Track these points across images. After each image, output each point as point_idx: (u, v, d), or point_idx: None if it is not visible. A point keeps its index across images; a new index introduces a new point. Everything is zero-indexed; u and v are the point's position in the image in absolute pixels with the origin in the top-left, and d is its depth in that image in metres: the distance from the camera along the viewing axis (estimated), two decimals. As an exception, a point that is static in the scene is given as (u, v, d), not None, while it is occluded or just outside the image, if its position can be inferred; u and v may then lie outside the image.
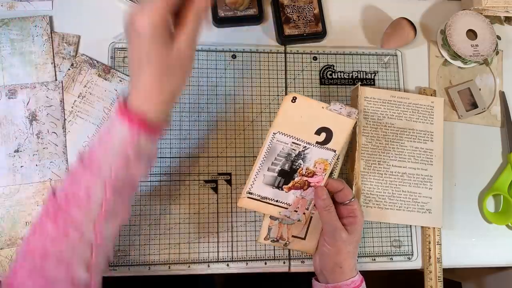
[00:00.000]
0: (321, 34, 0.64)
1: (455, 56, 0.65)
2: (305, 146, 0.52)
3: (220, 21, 0.63)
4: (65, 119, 0.57)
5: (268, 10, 0.66)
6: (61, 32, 0.60)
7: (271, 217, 0.54)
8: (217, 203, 0.58)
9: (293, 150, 0.52)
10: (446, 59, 0.66)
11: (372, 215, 0.58)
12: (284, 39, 0.63)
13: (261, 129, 0.61)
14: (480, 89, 0.66)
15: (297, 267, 0.58)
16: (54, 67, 0.58)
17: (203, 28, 0.39)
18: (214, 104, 0.61)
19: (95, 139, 0.41)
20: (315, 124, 0.52)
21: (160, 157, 0.58)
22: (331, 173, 0.53)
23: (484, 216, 0.63)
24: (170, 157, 0.58)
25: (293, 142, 0.52)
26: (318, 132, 0.52)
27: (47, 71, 0.58)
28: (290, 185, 0.52)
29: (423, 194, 0.60)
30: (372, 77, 0.65)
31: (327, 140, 0.52)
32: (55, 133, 0.57)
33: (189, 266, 0.56)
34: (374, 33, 0.67)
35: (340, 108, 0.51)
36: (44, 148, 0.56)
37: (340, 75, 0.64)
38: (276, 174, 0.52)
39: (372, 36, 0.67)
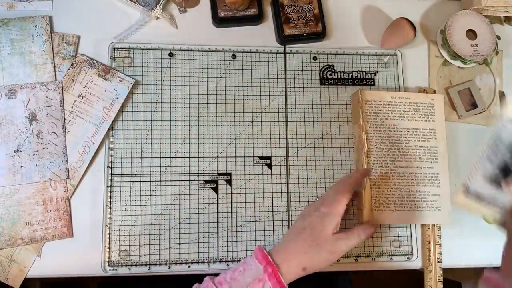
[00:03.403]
0: (321, 34, 0.64)
1: (455, 56, 0.65)
2: None
3: (220, 21, 0.63)
4: (65, 119, 0.57)
5: (268, 10, 0.66)
6: (61, 32, 0.60)
7: None
8: (217, 203, 0.58)
9: None
10: (446, 59, 0.66)
11: (383, 218, 0.58)
12: (284, 39, 0.63)
13: (261, 129, 0.61)
14: (480, 89, 0.66)
15: (297, 267, 0.58)
16: (54, 67, 0.58)
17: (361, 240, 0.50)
18: (214, 104, 0.61)
19: (230, 270, 0.48)
20: None
21: (160, 157, 0.58)
22: None
23: (484, 216, 0.63)
24: (170, 157, 0.58)
25: None
26: None
27: (47, 71, 0.58)
28: None
29: (431, 192, 0.60)
30: (372, 77, 0.65)
31: None
32: (55, 133, 0.57)
33: (189, 266, 0.56)
34: (374, 33, 0.67)
35: None
36: (44, 148, 0.56)
37: (340, 75, 0.64)
38: (497, 170, 0.44)
39: (372, 36, 0.67)
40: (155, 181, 0.58)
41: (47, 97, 0.57)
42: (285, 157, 0.61)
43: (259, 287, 0.45)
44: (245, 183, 0.59)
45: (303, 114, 0.62)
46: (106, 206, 0.56)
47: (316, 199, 0.59)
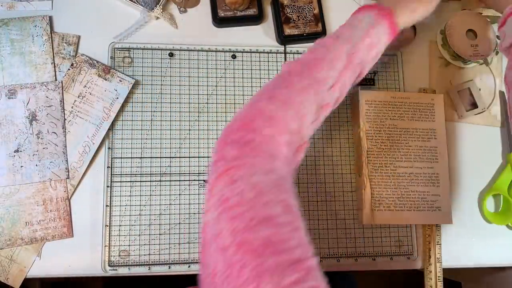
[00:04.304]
0: (321, 34, 0.64)
1: (455, 56, 0.65)
2: None
3: (220, 21, 0.63)
4: (65, 119, 0.57)
5: (268, 10, 0.66)
6: (61, 32, 0.60)
7: None
8: (217, 203, 0.58)
9: None
10: (446, 59, 0.66)
11: (383, 218, 0.58)
12: (284, 39, 0.63)
13: (261, 129, 0.61)
14: (480, 89, 0.66)
15: (297, 267, 0.58)
16: (54, 67, 0.58)
17: None
18: (214, 104, 0.61)
19: (341, 26, 0.48)
20: None
21: (160, 157, 0.58)
22: None
23: (484, 216, 0.63)
24: (170, 157, 0.58)
25: None
26: None
27: (47, 71, 0.58)
28: None
29: (431, 192, 0.60)
30: (372, 77, 0.65)
31: None
32: (55, 133, 0.57)
33: (189, 266, 0.56)
34: (374, 33, 0.67)
35: None
36: (44, 148, 0.56)
37: (340, 75, 0.64)
38: None
39: (372, 36, 0.67)
40: (155, 181, 0.58)
41: (47, 97, 0.57)
42: (285, 157, 0.61)
43: (372, 33, 0.45)
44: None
45: (303, 114, 0.62)
46: (106, 206, 0.56)
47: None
